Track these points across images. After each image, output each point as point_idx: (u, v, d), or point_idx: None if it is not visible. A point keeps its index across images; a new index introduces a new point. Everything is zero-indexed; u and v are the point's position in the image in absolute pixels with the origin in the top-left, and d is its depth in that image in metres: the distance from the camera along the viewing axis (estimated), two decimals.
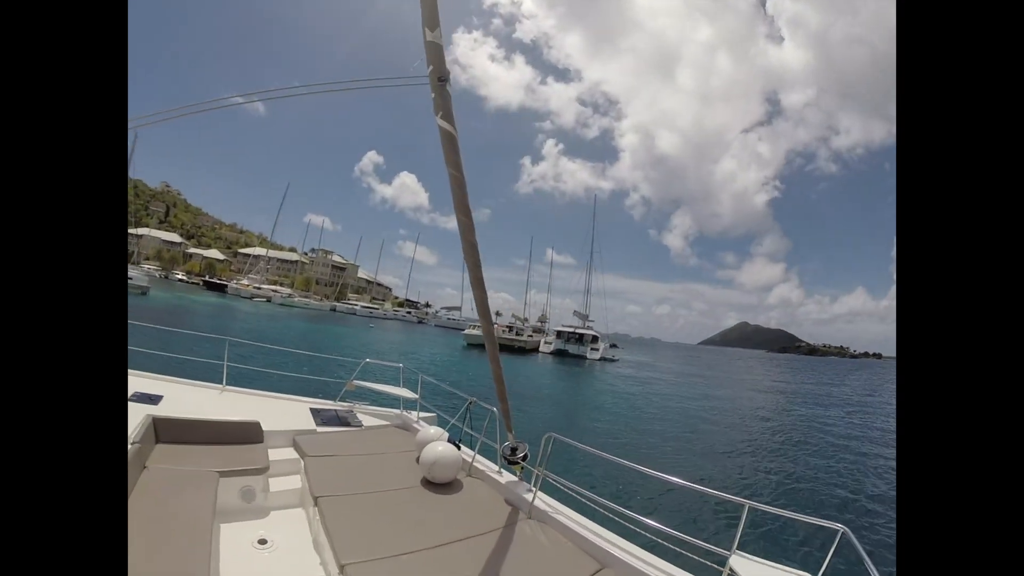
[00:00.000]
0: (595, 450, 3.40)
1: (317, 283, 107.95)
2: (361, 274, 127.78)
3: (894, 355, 1.36)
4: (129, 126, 2.85)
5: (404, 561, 2.52)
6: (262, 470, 3.47)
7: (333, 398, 5.60)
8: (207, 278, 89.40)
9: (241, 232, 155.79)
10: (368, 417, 5.35)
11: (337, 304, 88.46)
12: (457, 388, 5.60)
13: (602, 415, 18.48)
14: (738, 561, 2.51)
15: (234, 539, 2.95)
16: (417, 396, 5.44)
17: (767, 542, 7.11)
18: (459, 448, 4.01)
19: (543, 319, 72.36)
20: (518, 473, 3.76)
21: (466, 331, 50.46)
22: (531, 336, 56.04)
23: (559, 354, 49.77)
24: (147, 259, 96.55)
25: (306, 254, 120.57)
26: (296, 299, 79.90)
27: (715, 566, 2.59)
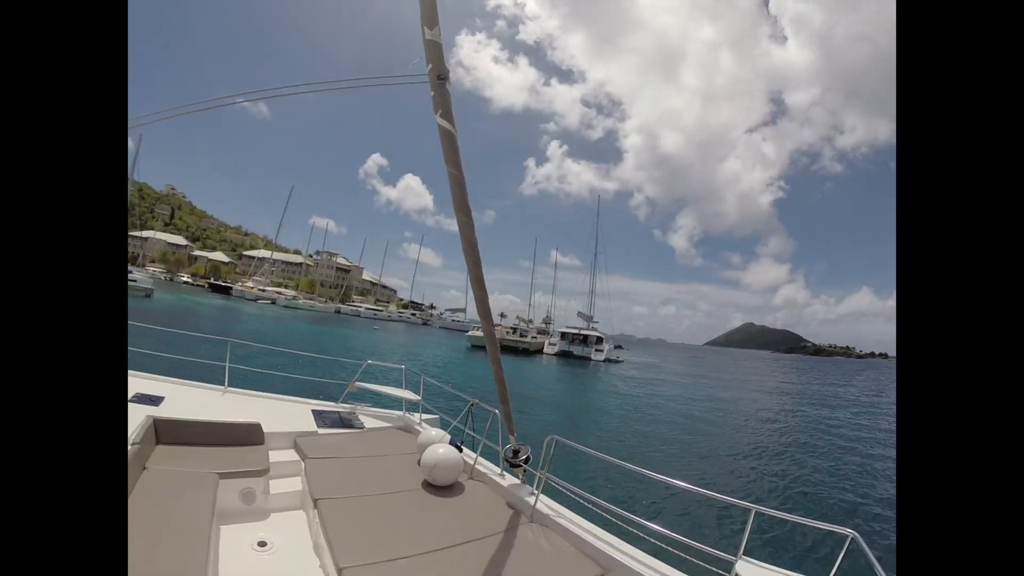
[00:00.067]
0: (598, 453, 3.36)
1: (322, 285, 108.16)
2: (366, 276, 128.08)
3: None
4: (130, 126, 2.87)
5: (403, 565, 2.50)
6: (262, 472, 3.46)
7: (335, 400, 5.60)
8: (212, 280, 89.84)
9: (246, 235, 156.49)
10: (370, 419, 5.34)
11: (342, 306, 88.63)
12: (460, 390, 5.58)
13: (605, 417, 18.39)
14: (744, 567, 2.47)
15: (234, 541, 2.94)
16: (419, 398, 5.43)
17: (774, 548, 6.98)
18: (461, 450, 3.98)
19: (547, 320, 72.35)
20: (520, 476, 3.74)
21: (470, 332, 50.47)
22: (535, 338, 56.03)
23: (563, 355, 49.69)
24: (152, 262, 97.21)
25: (311, 256, 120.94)
26: (301, 301, 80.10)
27: (721, 572, 2.54)
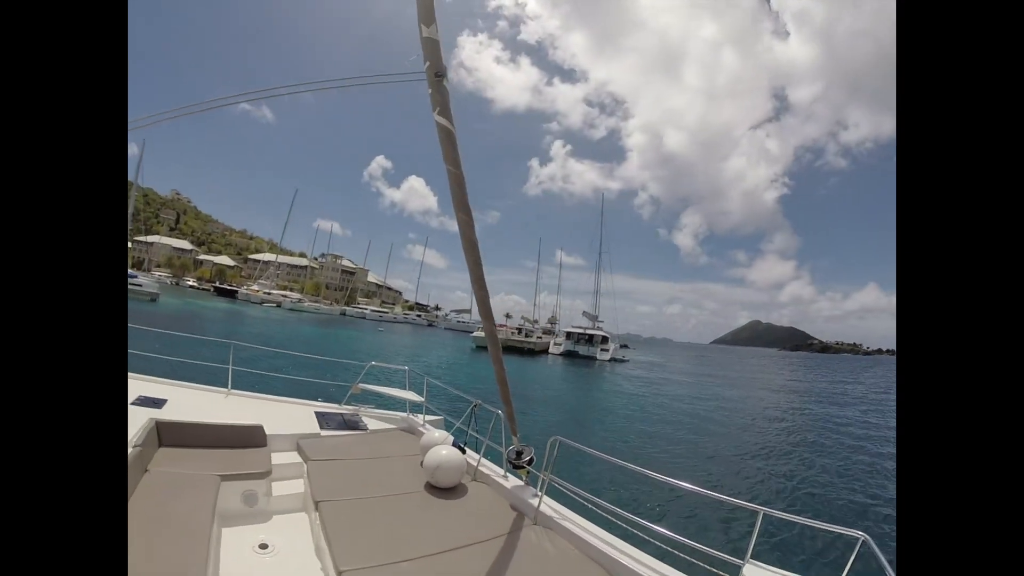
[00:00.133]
0: (603, 454, 3.32)
1: (327, 288, 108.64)
2: (371, 278, 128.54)
3: None
4: (131, 127, 2.88)
5: (404, 568, 2.48)
6: (264, 474, 3.46)
7: (339, 402, 5.60)
8: (217, 284, 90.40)
9: (251, 238, 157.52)
10: (373, 421, 5.34)
11: (347, 308, 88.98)
12: (464, 391, 5.56)
13: (610, 417, 18.29)
14: (752, 570, 2.43)
15: (235, 543, 2.94)
16: (423, 399, 5.42)
17: (783, 551, 6.84)
18: (464, 452, 3.96)
19: (553, 320, 72.27)
20: (524, 478, 3.71)
21: (474, 333, 50.51)
22: (540, 338, 55.99)
23: (569, 355, 49.64)
24: (158, 266, 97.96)
25: (316, 259, 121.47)
26: (306, 304, 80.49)
27: None
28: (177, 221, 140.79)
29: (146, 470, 3.06)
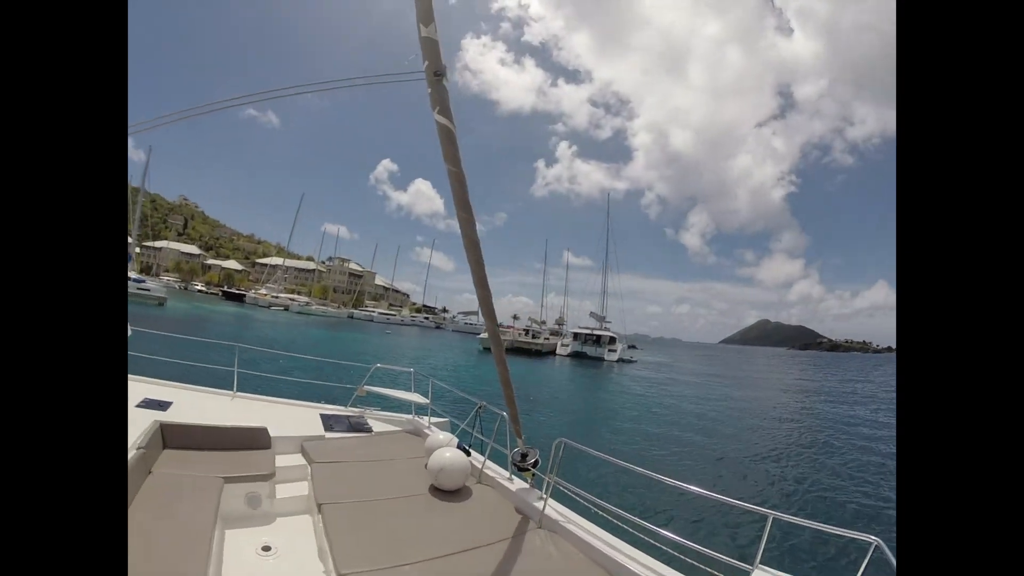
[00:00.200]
0: (609, 456, 3.29)
1: (334, 291, 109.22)
2: (378, 281, 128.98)
3: None
4: (132, 131, 2.90)
5: (406, 571, 2.47)
6: (268, 476, 3.47)
7: (344, 404, 5.61)
8: (225, 288, 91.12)
9: (259, 242, 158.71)
10: (379, 423, 5.34)
11: (354, 311, 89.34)
12: (470, 392, 5.54)
13: (617, 419, 18.18)
14: None
15: (238, 545, 2.95)
16: (428, 401, 5.42)
17: (793, 556, 6.70)
18: (469, 454, 3.94)
19: (560, 321, 72.09)
20: (529, 480, 3.68)
21: (481, 335, 50.54)
22: (548, 339, 55.92)
23: (576, 356, 49.55)
24: (166, 271, 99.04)
25: (323, 263, 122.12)
26: (314, 307, 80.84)
27: None
28: (185, 226, 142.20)
29: (150, 472, 3.07)
